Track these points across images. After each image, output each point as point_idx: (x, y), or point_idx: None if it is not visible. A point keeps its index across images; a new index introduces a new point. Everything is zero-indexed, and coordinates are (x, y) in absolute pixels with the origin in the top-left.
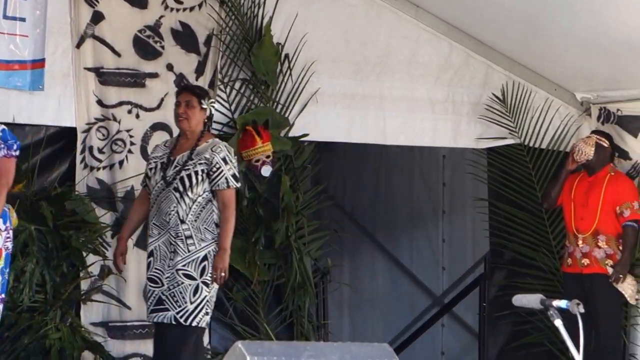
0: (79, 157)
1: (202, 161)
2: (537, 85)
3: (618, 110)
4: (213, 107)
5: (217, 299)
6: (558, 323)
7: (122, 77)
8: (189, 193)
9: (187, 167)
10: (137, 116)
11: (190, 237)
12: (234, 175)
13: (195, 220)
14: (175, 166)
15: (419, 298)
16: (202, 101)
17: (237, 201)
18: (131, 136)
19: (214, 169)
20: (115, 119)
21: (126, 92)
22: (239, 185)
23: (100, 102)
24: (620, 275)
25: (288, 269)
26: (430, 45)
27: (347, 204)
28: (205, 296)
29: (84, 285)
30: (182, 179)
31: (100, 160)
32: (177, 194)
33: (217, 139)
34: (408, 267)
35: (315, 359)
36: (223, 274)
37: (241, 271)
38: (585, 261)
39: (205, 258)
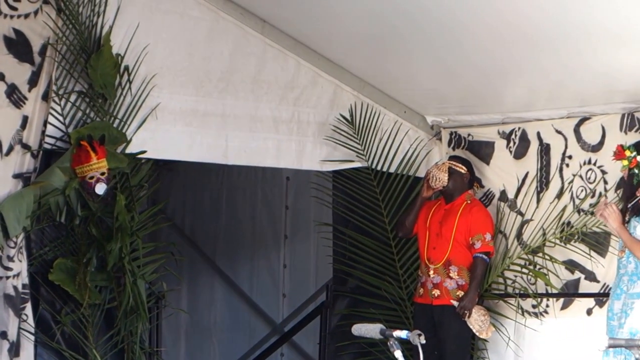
0: None
1: None
2: (386, 107)
3: (469, 135)
4: None
5: (44, 322)
6: (398, 354)
7: None
8: None
9: None
10: None
11: None
12: None
13: None
14: None
15: (258, 326)
16: None
17: (69, 219)
18: None
19: None
20: None
21: None
22: None
23: None
24: (466, 311)
25: (121, 292)
26: (277, 62)
27: (186, 226)
28: None
29: None
30: None
31: None
32: None
33: None
34: (248, 294)
35: None
36: None
37: (70, 293)
38: (436, 292)
39: None
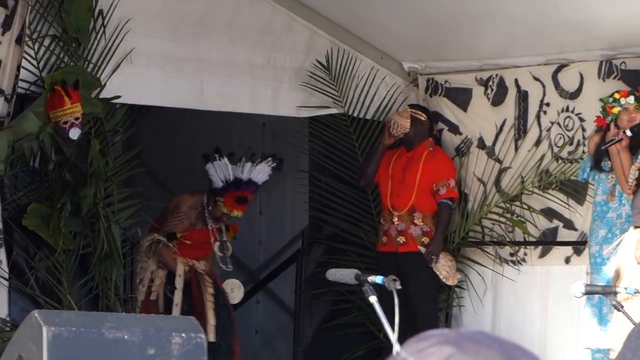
0: None
1: None
2: (362, 53)
3: (446, 82)
4: None
5: (18, 268)
6: (373, 299)
7: None
8: None
9: None
10: None
11: None
12: None
13: None
14: None
15: (233, 273)
16: None
17: (43, 164)
18: None
19: None
20: None
21: None
22: None
23: None
24: (433, 256)
25: (95, 237)
26: (252, 7)
27: (160, 172)
28: None
29: None
30: None
31: None
32: None
33: None
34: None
35: (116, 331)
36: None
37: (44, 238)
38: (401, 239)
39: None
